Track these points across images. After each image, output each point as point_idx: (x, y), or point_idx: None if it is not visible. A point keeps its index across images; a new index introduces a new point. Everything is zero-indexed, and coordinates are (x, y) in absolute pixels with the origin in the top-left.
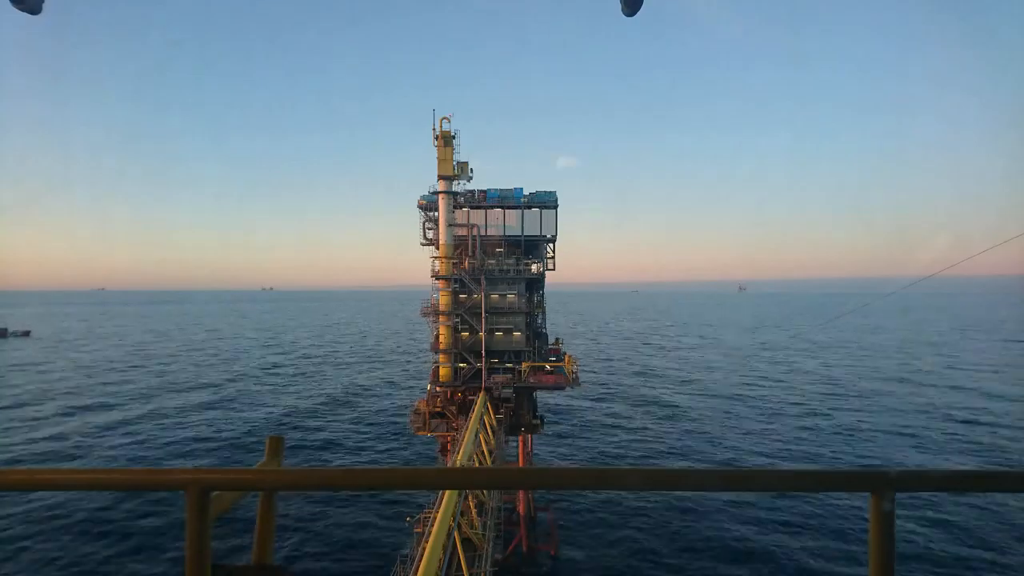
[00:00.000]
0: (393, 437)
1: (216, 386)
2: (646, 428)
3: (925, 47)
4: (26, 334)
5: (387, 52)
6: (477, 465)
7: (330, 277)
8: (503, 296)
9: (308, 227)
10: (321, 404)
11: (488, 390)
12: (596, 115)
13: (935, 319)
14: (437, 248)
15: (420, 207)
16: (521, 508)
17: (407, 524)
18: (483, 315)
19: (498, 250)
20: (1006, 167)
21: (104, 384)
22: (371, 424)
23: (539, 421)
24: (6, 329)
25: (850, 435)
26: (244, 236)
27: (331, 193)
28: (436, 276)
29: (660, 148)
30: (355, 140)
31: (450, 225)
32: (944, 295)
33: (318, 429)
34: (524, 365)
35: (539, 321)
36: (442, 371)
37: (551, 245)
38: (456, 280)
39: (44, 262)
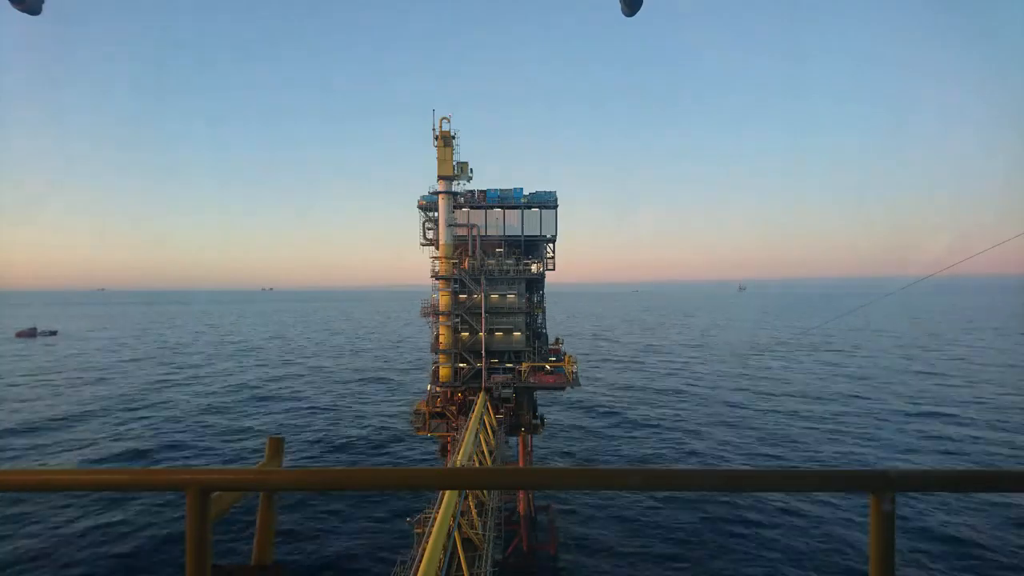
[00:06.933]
0: (393, 438)
1: (229, 385)
2: (648, 427)
3: (927, 45)
4: (53, 333)
5: (386, 50)
6: (477, 465)
7: (330, 277)
8: (503, 296)
9: (308, 227)
10: (321, 404)
11: (488, 390)
12: (595, 114)
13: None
14: (437, 248)
15: (420, 207)
16: (521, 508)
17: (407, 524)
18: (483, 315)
19: (498, 250)
20: (1006, 167)
21: (150, 381)
22: (371, 425)
23: (539, 421)
24: (35, 328)
25: (849, 435)
26: (244, 236)
27: (330, 192)
28: (436, 276)
29: (660, 147)
30: (355, 140)
31: (450, 225)
32: (944, 295)
33: (318, 430)
34: (524, 365)
35: (539, 321)
36: (442, 371)
37: (551, 245)
38: (456, 280)
39: (44, 262)
